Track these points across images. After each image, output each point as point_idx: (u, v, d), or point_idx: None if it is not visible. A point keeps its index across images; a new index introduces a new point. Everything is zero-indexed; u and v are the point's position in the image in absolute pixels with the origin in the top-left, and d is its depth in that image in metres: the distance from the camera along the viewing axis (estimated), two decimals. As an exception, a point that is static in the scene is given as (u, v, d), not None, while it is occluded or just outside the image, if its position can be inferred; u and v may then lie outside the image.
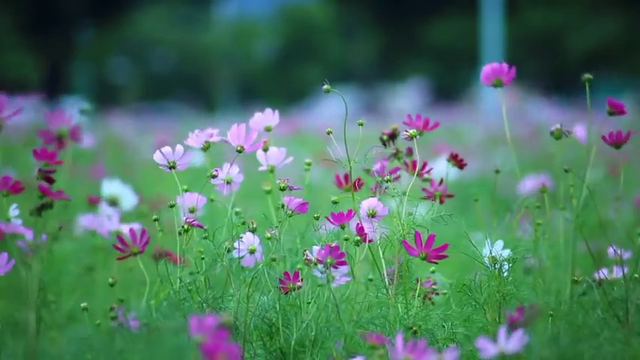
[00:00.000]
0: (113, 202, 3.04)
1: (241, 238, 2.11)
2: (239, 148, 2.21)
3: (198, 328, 1.72)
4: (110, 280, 2.21)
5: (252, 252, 2.13)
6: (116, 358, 1.84)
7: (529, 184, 4.02)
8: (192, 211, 2.17)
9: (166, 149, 2.18)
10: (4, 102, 2.10)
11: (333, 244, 2.07)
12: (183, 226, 2.12)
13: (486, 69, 2.29)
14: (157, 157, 2.17)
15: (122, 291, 2.38)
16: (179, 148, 2.18)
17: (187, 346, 1.76)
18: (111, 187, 3.07)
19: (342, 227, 2.13)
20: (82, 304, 2.15)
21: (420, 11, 27.95)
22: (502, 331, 1.81)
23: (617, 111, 2.19)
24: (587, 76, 2.18)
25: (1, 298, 2.65)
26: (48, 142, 2.13)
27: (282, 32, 27.96)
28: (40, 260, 1.99)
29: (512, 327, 1.94)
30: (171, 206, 2.15)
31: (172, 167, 2.18)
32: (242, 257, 2.11)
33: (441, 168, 2.46)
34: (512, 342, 1.80)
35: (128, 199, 3.09)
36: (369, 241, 2.13)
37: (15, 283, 2.16)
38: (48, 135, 2.13)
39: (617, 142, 2.20)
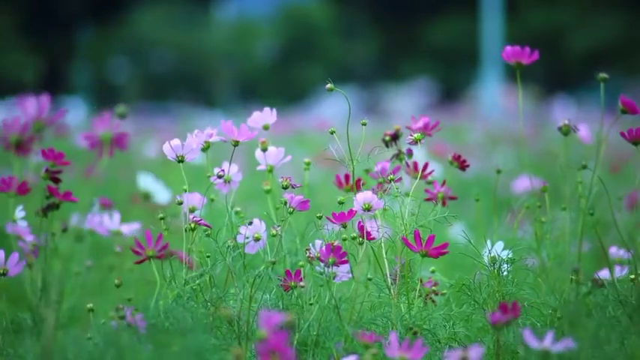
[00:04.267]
0: (146, 197, 3.03)
1: (248, 224, 2.12)
2: (234, 143, 2.22)
3: (265, 323, 1.69)
4: (116, 281, 2.21)
5: (257, 240, 2.13)
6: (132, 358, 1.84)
7: (523, 183, 4.02)
8: (192, 210, 2.17)
9: (175, 142, 2.17)
10: (46, 103, 2.04)
11: (335, 243, 2.08)
12: (190, 225, 2.12)
13: (508, 49, 2.27)
14: (166, 149, 2.17)
15: (123, 291, 2.38)
16: (188, 141, 2.18)
17: (205, 347, 1.75)
18: (146, 181, 3.06)
19: (344, 226, 2.13)
20: (88, 305, 2.14)
21: (419, 11, 27.94)
22: (550, 334, 1.85)
23: (629, 109, 2.18)
24: (603, 75, 2.17)
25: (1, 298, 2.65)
26: (93, 147, 2.11)
27: (283, 32, 27.95)
28: (56, 259, 1.99)
29: (496, 328, 1.96)
30: (179, 203, 2.14)
31: (181, 161, 2.18)
32: (246, 244, 2.11)
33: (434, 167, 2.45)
34: (559, 345, 1.84)
35: (162, 194, 3.09)
36: (371, 238, 2.13)
37: (14, 282, 2.16)
38: (92, 139, 2.11)
39: (636, 138, 2.18)
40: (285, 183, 2.16)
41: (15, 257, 2.10)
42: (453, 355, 1.82)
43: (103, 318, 2.11)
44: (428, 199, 2.33)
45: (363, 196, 2.14)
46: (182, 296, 2.07)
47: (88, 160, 6.37)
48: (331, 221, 2.13)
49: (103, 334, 1.92)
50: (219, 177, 2.20)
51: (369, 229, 2.13)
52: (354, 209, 2.13)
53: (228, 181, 2.22)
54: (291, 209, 2.15)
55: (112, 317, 2.01)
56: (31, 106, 1.98)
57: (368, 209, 2.13)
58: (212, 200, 2.25)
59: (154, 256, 2.12)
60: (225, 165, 2.22)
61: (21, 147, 1.98)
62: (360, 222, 2.13)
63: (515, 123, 9.95)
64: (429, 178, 2.33)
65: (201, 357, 1.77)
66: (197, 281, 2.09)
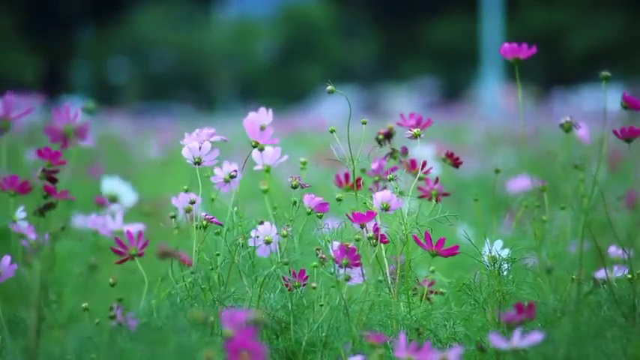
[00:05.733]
0: (113, 199, 3.03)
1: (258, 228, 2.12)
2: (254, 144, 2.23)
3: (228, 322, 1.67)
4: (111, 280, 2.20)
5: (268, 243, 2.13)
6: (119, 358, 1.84)
7: (519, 183, 4.02)
8: (188, 210, 2.16)
9: (194, 145, 2.17)
10: (12, 102, 2.10)
11: (350, 245, 2.07)
12: (201, 222, 2.12)
13: (505, 45, 2.27)
14: (185, 152, 2.17)
15: (124, 291, 2.38)
16: (206, 144, 2.18)
17: (194, 346, 1.75)
18: (111, 184, 3.06)
19: (362, 227, 2.12)
20: (83, 304, 2.14)
21: (419, 11, 27.96)
22: (518, 332, 1.83)
23: (631, 106, 2.18)
24: (605, 73, 2.17)
25: (2, 298, 2.65)
26: (54, 140, 2.12)
27: (283, 32, 27.97)
28: (44, 259, 1.99)
29: (509, 326, 1.95)
30: (192, 202, 2.14)
31: (198, 163, 2.18)
32: (257, 248, 2.11)
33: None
34: (526, 340, 1.82)
35: (128, 196, 3.08)
36: (385, 242, 2.12)
37: (16, 282, 2.16)
38: (54, 132, 2.12)
39: (629, 136, 2.18)
40: (295, 183, 2.16)
41: (7, 260, 2.10)
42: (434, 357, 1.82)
43: (103, 317, 2.11)
44: (421, 197, 2.33)
45: (382, 196, 2.13)
46: (176, 295, 2.07)
47: (88, 159, 6.38)
48: (351, 220, 2.12)
49: (98, 333, 1.92)
50: (232, 177, 2.20)
51: (382, 232, 2.12)
52: (373, 211, 2.12)
53: (228, 181, 2.21)
54: (310, 210, 2.15)
55: (110, 317, 2.02)
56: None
57: (386, 209, 2.13)
58: (213, 200, 2.25)
59: (136, 255, 2.13)
60: (226, 164, 2.22)
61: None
62: (375, 224, 2.12)
63: (515, 123, 9.96)
64: (425, 174, 2.33)
65: (189, 356, 1.76)
66: (189, 280, 2.09)
